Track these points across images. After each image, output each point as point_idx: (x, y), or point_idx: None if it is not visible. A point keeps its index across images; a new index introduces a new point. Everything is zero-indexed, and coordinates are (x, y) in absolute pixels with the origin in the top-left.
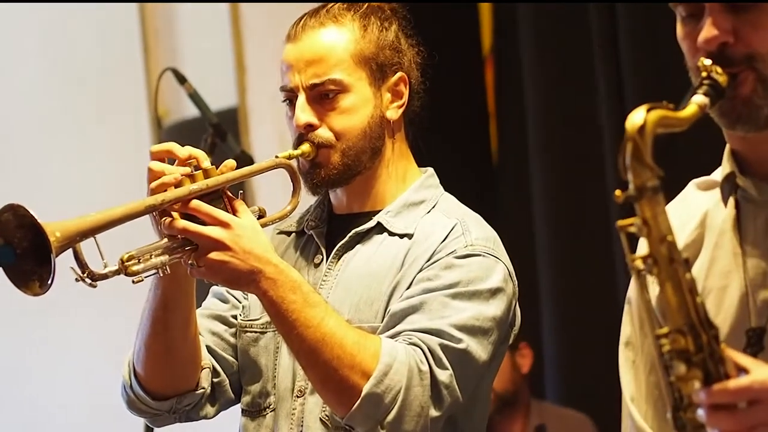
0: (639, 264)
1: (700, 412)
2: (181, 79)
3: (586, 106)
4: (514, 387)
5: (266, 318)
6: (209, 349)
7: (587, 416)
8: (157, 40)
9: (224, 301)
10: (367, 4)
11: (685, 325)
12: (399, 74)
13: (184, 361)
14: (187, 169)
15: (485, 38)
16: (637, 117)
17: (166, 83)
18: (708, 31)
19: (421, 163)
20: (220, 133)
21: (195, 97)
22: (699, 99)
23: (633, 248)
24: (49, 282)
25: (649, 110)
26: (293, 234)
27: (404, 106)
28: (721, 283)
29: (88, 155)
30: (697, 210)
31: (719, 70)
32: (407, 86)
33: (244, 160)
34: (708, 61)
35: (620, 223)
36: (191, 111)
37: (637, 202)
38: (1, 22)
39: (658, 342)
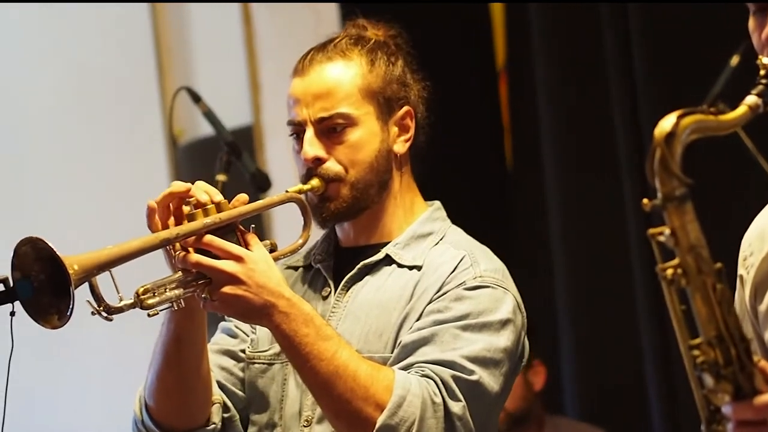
0: (668, 273)
1: (729, 427)
2: (196, 98)
3: (600, 118)
4: (526, 404)
5: (274, 350)
6: (219, 385)
7: (603, 431)
8: (171, 59)
9: (233, 336)
10: (374, 39)
11: (714, 337)
12: (405, 108)
13: (196, 396)
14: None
15: (499, 53)
16: (666, 123)
17: (180, 102)
18: None
19: (436, 182)
20: (235, 151)
21: (209, 116)
22: (750, 100)
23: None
24: (68, 315)
25: (681, 116)
26: (300, 269)
27: (411, 140)
28: None
29: (105, 177)
30: None
31: None
32: (413, 120)
33: (260, 178)
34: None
35: (651, 231)
36: (206, 130)
37: (664, 210)
38: (14, 45)
39: (690, 353)
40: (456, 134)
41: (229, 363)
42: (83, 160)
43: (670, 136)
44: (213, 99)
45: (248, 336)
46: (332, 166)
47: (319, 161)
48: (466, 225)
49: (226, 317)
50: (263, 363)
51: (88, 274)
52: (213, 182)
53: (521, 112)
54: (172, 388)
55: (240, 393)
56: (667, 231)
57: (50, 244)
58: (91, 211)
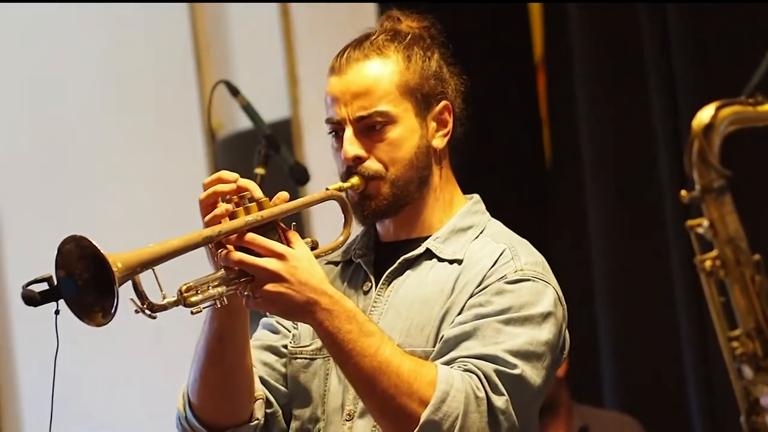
0: (707, 265)
1: None
2: (234, 92)
3: (638, 110)
4: (550, 392)
5: (316, 345)
6: (262, 380)
7: (635, 419)
8: (209, 53)
9: (274, 331)
10: (410, 33)
11: (753, 329)
12: (443, 103)
13: (239, 392)
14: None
15: (536, 46)
16: (704, 115)
17: (219, 96)
18: None
19: (474, 175)
20: (273, 144)
21: (248, 109)
22: None
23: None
24: (113, 312)
25: (719, 107)
26: (341, 264)
27: (449, 134)
28: None
29: (143, 170)
30: None
31: None
32: (451, 114)
33: (298, 170)
34: None
35: (690, 222)
36: (245, 123)
37: (702, 202)
38: (54, 36)
39: (729, 345)
40: (494, 127)
41: (272, 358)
42: (122, 153)
43: (709, 127)
44: (251, 92)
45: (290, 331)
46: (372, 165)
47: (359, 160)
48: (505, 218)
49: (268, 314)
50: (305, 358)
51: (132, 272)
52: (251, 175)
53: (559, 105)
54: (214, 385)
55: (282, 388)
56: (705, 223)
57: (94, 242)
58: (130, 205)
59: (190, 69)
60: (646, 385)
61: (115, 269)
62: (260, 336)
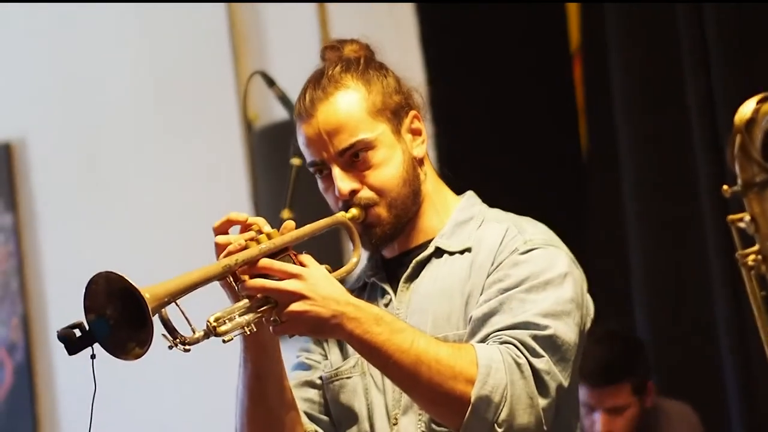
0: (749, 260)
1: None
2: (270, 82)
3: (674, 100)
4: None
5: (348, 364)
6: (307, 415)
7: (694, 410)
8: (245, 43)
9: (307, 368)
10: (360, 59)
11: None
12: (411, 113)
13: (286, 430)
14: (252, 234)
15: (573, 36)
16: (746, 109)
17: (255, 87)
18: None
19: (511, 167)
20: None
21: (284, 100)
22: None
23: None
24: (149, 342)
25: (761, 101)
26: (356, 291)
27: (425, 141)
28: None
29: (180, 162)
30: None
31: None
32: (421, 121)
33: None
34: None
35: (731, 217)
36: (281, 114)
37: (744, 197)
38: (90, 30)
39: None
40: (530, 118)
41: (311, 393)
42: (160, 144)
43: (751, 122)
44: (287, 83)
45: (320, 363)
46: (364, 194)
47: (354, 193)
48: (540, 209)
49: (300, 345)
50: (342, 378)
51: (161, 304)
52: (287, 166)
53: (595, 95)
54: (261, 425)
55: (326, 418)
56: (746, 217)
57: (125, 276)
58: (167, 195)
59: (227, 60)
60: (684, 381)
61: (146, 297)
62: (294, 376)
